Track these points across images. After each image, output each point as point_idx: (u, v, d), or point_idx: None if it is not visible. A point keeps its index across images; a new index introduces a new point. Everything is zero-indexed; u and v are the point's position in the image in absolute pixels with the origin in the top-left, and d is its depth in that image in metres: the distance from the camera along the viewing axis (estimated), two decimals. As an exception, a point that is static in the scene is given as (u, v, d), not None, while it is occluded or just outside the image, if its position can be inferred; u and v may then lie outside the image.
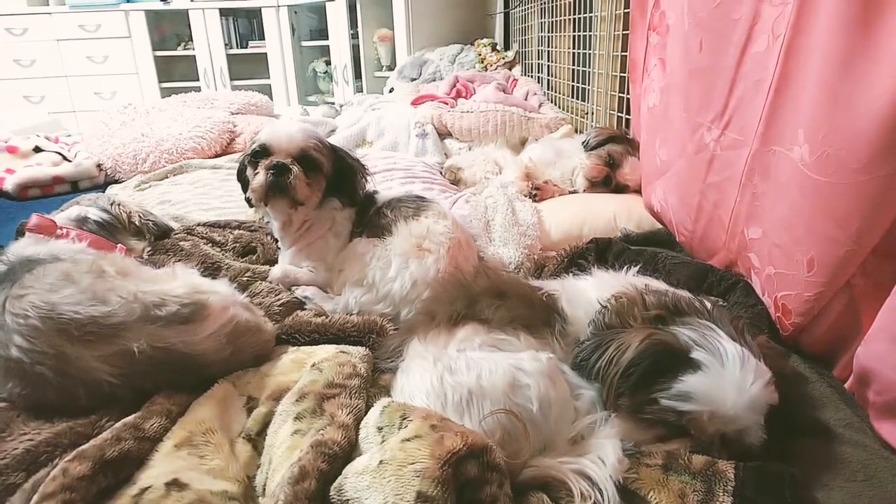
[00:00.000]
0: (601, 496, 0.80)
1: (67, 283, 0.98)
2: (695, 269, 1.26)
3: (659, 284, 1.08)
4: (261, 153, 1.32)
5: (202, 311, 1.00)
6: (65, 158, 2.47)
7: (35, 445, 0.87)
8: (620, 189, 1.80)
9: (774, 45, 0.99)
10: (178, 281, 1.05)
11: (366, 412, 0.96)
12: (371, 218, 1.38)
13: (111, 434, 0.86)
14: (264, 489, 0.87)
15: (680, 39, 1.29)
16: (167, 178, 2.26)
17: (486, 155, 2.11)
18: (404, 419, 0.84)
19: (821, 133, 0.89)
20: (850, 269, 0.91)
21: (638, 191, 1.77)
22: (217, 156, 2.50)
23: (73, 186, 2.35)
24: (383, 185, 1.86)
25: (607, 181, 1.79)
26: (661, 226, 1.58)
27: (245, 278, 1.35)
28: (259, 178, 1.29)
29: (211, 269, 1.37)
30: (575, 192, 1.87)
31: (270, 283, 1.36)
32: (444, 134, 2.52)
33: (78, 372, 0.93)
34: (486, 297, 1.03)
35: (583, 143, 1.88)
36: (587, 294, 1.05)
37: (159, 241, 1.46)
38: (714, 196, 1.24)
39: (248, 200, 1.38)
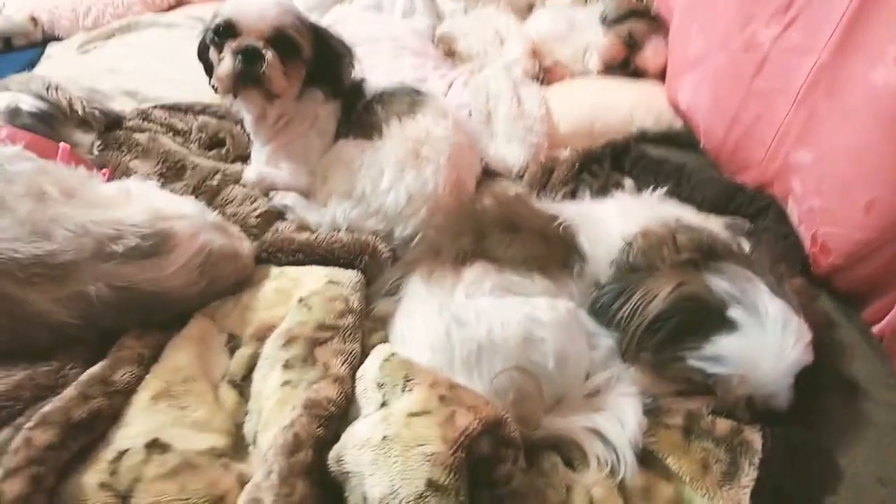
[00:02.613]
0: (617, 459, 0.76)
1: (2, 212, 0.82)
2: (723, 187, 1.14)
3: (690, 216, 0.96)
4: (226, 32, 1.08)
5: (167, 243, 0.86)
6: (-10, 7, 2.10)
7: (-8, 399, 0.78)
8: (639, 74, 1.59)
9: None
10: (136, 204, 0.89)
11: (361, 355, 0.88)
12: (359, 114, 1.19)
13: (76, 391, 0.76)
14: (254, 439, 0.81)
15: None
16: (114, 36, 1.94)
17: (486, 21, 1.83)
18: (408, 380, 0.75)
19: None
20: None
21: (659, 76, 1.57)
22: (170, 8, 2.15)
23: (6, 44, 2.01)
24: (368, 60, 1.60)
25: (625, 64, 1.58)
26: (681, 124, 1.42)
27: (215, 181, 1.18)
28: (226, 64, 1.07)
29: (174, 170, 1.20)
30: (587, 73, 1.66)
31: (244, 186, 1.20)
32: (435, -9, 2.19)
33: (30, 315, 0.81)
34: (497, 231, 0.91)
35: (600, 16, 1.63)
36: (609, 226, 0.93)
37: (110, 131, 1.26)
38: (758, 105, 1.07)
39: (213, 87, 1.17)
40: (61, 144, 1.08)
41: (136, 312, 0.86)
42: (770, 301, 0.78)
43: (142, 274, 0.84)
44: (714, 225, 1.12)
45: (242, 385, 0.86)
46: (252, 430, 0.81)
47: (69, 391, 0.76)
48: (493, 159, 1.35)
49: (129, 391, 0.80)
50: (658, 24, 1.56)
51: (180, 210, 0.92)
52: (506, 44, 1.74)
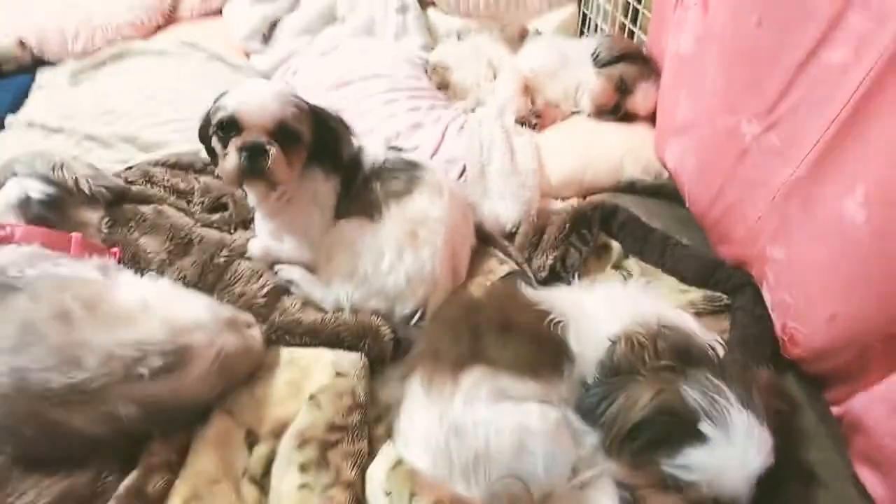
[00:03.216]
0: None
1: (32, 339, 0.88)
2: (703, 262, 1.21)
3: (671, 313, 1.03)
4: (229, 126, 1.11)
5: (186, 356, 0.93)
6: (-25, 28, 2.07)
7: (38, 513, 0.87)
8: (629, 116, 1.63)
9: (856, 68, 0.81)
10: (154, 317, 0.95)
11: (369, 451, 0.97)
12: (358, 190, 1.23)
13: (116, 507, 0.85)
14: (276, 534, 0.90)
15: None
16: (105, 65, 1.93)
17: (479, 52, 1.84)
18: (413, 495, 0.85)
19: (889, 204, 0.78)
20: (872, 338, 0.88)
21: (648, 118, 1.61)
22: (158, 28, 2.12)
23: (-5, 70, 2.01)
24: (362, 104, 1.64)
25: (616, 109, 1.61)
26: (667, 175, 1.47)
27: (222, 259, 1.24)
28: (231, 160, 1.10)
29: (181, 246, 1.25)
30: (577, 112, 1.69)
31: (250, 259, 1.26)
32: (426, 2, 2.17)
33: (66, 432, 0.89)
34: (492, 332, 0.98)
35: (592, 55, 1.65)
36: (596, 323, 1.00)
37: (117, 204, 1.30)
38: (740, 191, 1.13)
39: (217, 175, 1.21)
40: (73, 236, 1.13)
41: (161, 421, 0.94)
42: (737, 413, 0.86)
43: (165, 388, 0.92)
44: (695, 297, 1.21)
45: (262, 481, 0.96)
46: (273, 524, 0.91)
47: (110, 509, 0.85)
48: (487, 218, 1.40)
49: (161, 498, 0.89)
50: (649, 68, 1.58)
51: (195, 318, 0.97)
52: (498, 79, 1.75)
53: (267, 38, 2.05)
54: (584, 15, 2.12)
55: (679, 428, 0.86)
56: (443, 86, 1.83)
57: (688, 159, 1.30)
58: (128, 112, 1.71)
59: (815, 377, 1.06)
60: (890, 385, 0.88)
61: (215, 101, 1.16)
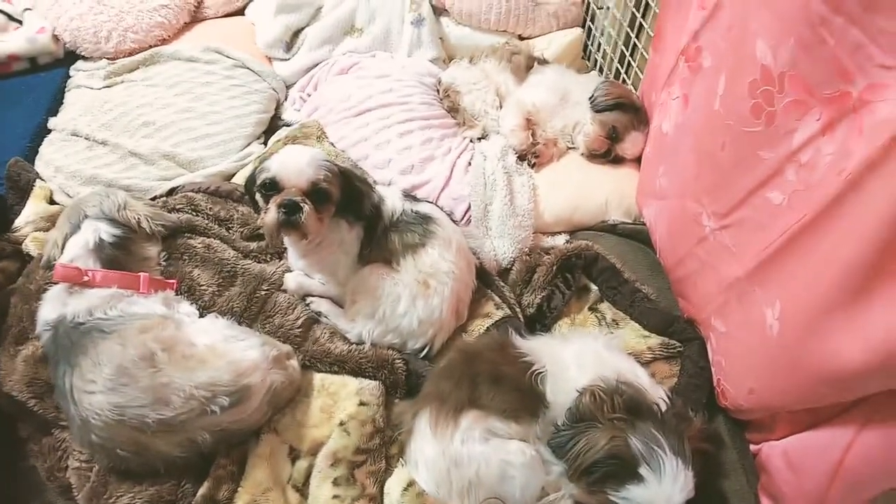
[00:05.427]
0: (555, 558, 1.16)
1: (126, 380, 1.13)
2: (663, 316, 1.45)
3: (629, 372, 1.28)
4: (271, 186, 1.31)
5: (246, 394, 1.19)
6: (10, 18, 2.17)
7: (135, 511, 1.15)
8: (618, 159, 1.82)
9: (788, 213, 1.02)
10: (220, 361, 1.19)
11: (386, 467, 1.25)
12: (379, 238, 1.44)
13: (196, 511, 1.13)
14: (315, 531, 1.19)
15: (707, 109, 1.23)
16: (138, 69, 2.05)
17: (488, 78, 1.99)
18: (422, 513, 1.14)
19: (795, 328, 1.02)
20: (779, 409, 1.14)
21: (635, 160, 1.80)
22: (186, 25, 2.21)
23: (32, 63, 2.12)
24: (381, 134, 1.81)
25: (606, 153, 1.80)
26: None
27: (263, 291, 1.47)
28: (271, 215, 1.31)
29: (228, 278, 1.47)
30: (573, 148, 1.88)
31: (285, 292, 1.49)
32: (440, 9, 2.28)
33: (153, 453, 1.15)
34: (486, 382, 1.24)
35: (590, 98, 1.81)
36: (568, 376, 1.26)
37: (171, 238, 1.50)
38: (696, 266, 1.35)
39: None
40: (141, 276, 1.35)
41: (225, 441, 1.21)
42: (668, 460, 1.13)
43: (230, 419, 1.18)
44: (653, 343, 1.46)
45: (302, 489, 1.24)
46: (313, 522, 1.20)
47: (191, 511, 1.13)
48: (486, 256, 1.63)
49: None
50: (640, 118, 1.75)
51: (252, 360, 1.21)
52: (504, 113, 1.92)
53: (289, 46, 2.17)
54: (591, 32, 2.25)
55: (624, 469, 1.14)
56: (453, 109, 1.99)
57: (661, 222, 1.52)
58: (166, 126, 1.87)
59: (739, 421, 1.34)
60: (788, 444, 1.15)
61: (260, 163, 1.35)
